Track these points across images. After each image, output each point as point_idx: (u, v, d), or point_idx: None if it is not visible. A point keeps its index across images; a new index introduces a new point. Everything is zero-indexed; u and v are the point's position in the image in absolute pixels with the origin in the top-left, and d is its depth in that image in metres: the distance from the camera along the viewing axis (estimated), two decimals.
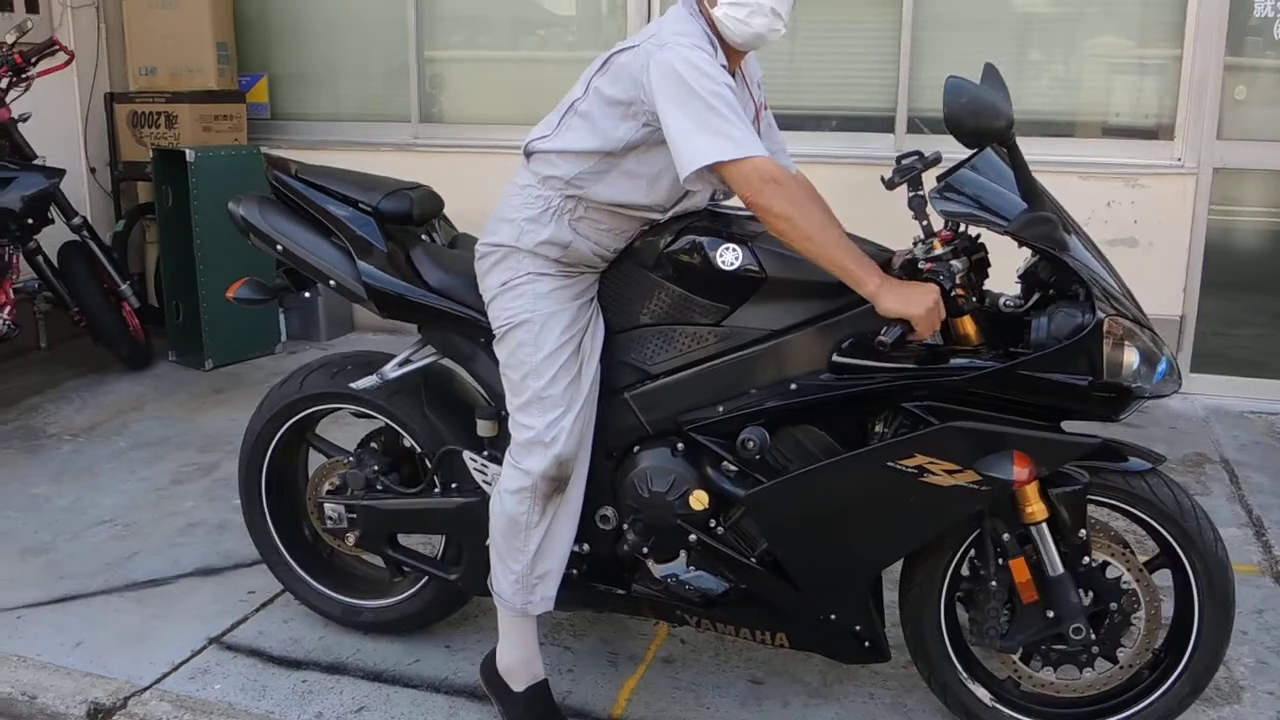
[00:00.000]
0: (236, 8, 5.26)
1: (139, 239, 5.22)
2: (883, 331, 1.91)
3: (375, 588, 2.68)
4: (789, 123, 4.77)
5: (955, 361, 1.99)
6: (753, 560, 2.19)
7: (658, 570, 2.27)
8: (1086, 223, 4.32)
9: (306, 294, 2.56)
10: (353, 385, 2.37)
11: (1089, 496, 2.12)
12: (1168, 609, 2.21)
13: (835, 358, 2.06)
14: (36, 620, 2.75)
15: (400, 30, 5.18)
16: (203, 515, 3.36)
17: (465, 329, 2.32)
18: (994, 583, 2.14)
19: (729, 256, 2.08)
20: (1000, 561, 2.12)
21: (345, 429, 2.74)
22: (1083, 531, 2.11)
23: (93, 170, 5.24)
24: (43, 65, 4.20)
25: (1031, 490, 2.07)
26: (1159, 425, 4.19)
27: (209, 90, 4.97)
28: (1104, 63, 4.43)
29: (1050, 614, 2.12)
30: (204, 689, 2.47)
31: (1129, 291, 2.11)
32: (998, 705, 2.25)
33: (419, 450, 2.47)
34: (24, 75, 4.12)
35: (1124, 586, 2.17)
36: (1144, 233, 4.37)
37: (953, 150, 1.98)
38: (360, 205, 2.38)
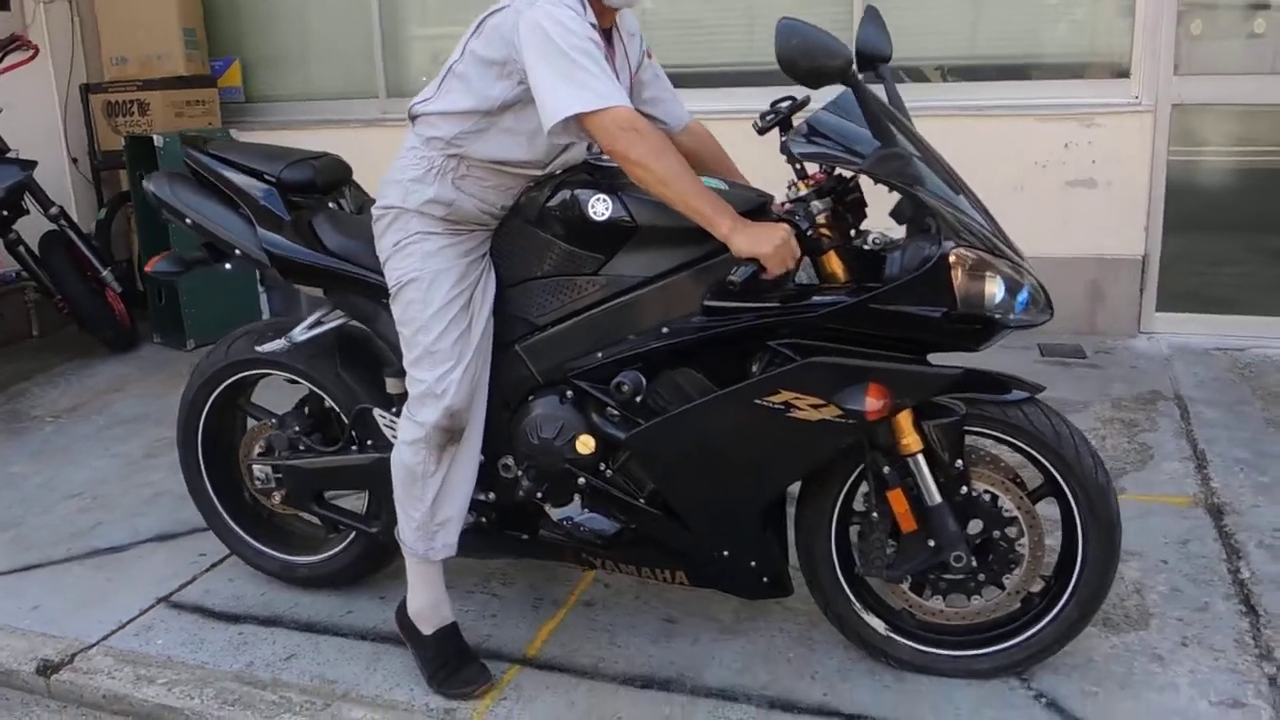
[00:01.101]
0: None
1: (123, 225, 5.36)
2: (733, 271, 1.96)
3: (310, 544, 2.79)
4: (745, 79, 4.80)
5: (815, 299, 2.04)
6: (642, 501, 2.26)
7: (555, 514, 2.36)
8: (1044, 165, 4.37)
9: (228, 265, 2.65)
10: (258, 349, 2.47)
11: (970, 428, 2.17)
12: (1056, 536, 2.26)
13: (706, 301, 2.12)
14: None
15: (364, 8, 5.26)
16: (168, 486, 3.48)
17: (366, 290, 2.40)
18: (875, 514, 2.20)
19: (600, 207, 2.14)
20: (881, 493, 2.18)
21: (288, 394, 2.83)
22: (959, 462, 2.15)
23: (74, 160, 5.38)
24: (8, 60, 4.33)
25: (905, 422, 2.12)
26: (1119, 365, 4.20)
27: (179, 76, 5.08)
28: (1056, 2, 4.40)
29: (931, 543, 2.18)
30: (146, 644, 2.60)
31: (998, 227, 2.12)
32: (892, 635, 2.32)
33: (337, 410, 2.57)
34: None
35: (1006, 514, 2.21)
36: (1103, 173, 4.35)
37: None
38: (265, 176, 2.47)
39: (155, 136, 4.63)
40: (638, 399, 2.16)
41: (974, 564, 2.19)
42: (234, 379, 2.66)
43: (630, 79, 2.30)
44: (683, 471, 2.18)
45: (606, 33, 2.23)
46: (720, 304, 2.10)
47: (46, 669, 2.51)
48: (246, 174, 2.48)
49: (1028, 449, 2.17)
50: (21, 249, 4.55)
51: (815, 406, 2.03)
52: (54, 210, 4.57)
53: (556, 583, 2.76)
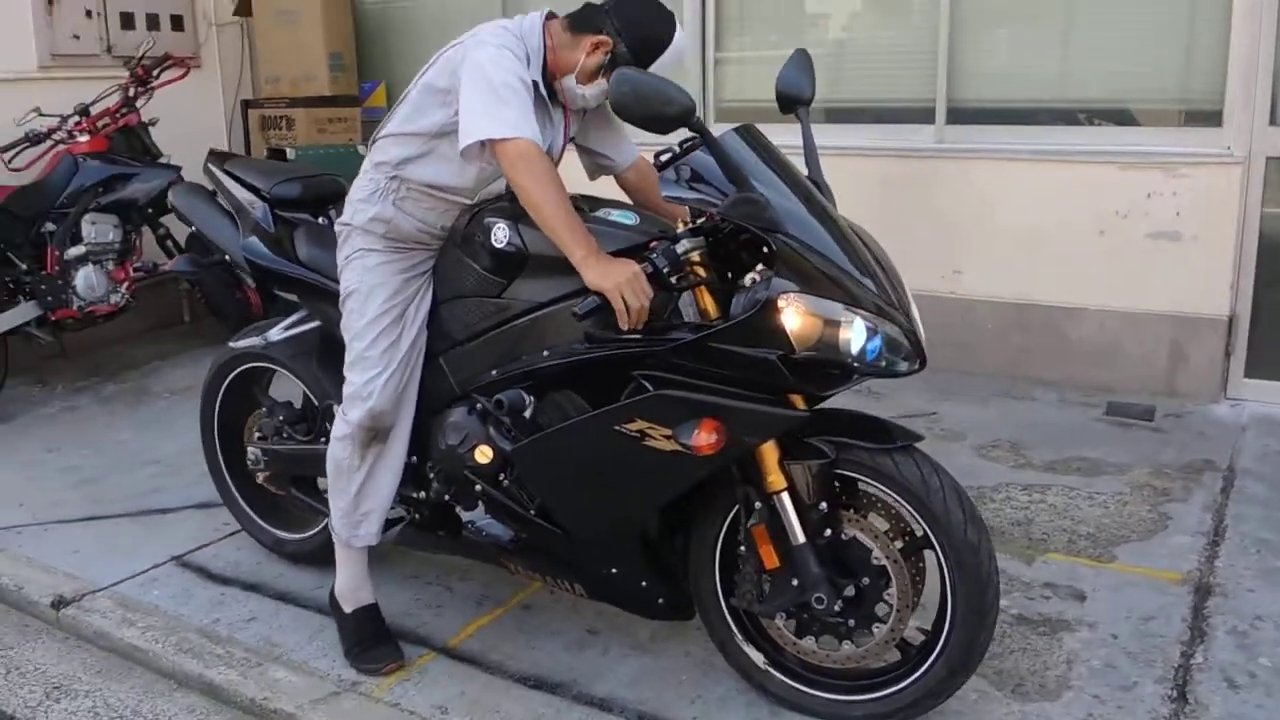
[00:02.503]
0: (358, 22, 5.90)
1: None
2: (578, 304, 2.09)
3: (300, 523, 3.10)
4: (830, 115, 4.82)
5: (670, 334, 2.13)
6: (531, 512, 2.41)
7: (464, 517, 2.54)
8: (1125, 215, 4.18)
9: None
10: (231, 344, 2.80)
11: (845, 472, 2.20)
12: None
13: (583, 328, 2.24)
14: (58, 532, 3.38)
15: None
16: None
17: (329, 298, 2.67)
18: (743, 548, 2.26)
19: (500, 234, 2.32)
20: (748, 527, 2.24)
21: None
22: (823, 504, 2.18)
23: None
24: (164, 77, 4.95)
25: (770, 459, 2.17)
26: (1185, 430, 3.95)
27: (323, 96, 5.63)
28: (1145, 44, 4.18)
29: (795, 582, 2.21)
30: (144, 594, 2.98)
31: (882, 273, 2.13)
32: (770, 669, 2.36)
33: (315, 402, 2.87)
34: (147, 86, 4.89)
35: (874, 562, 2.21)
36: (1187, 226, 4.10)
37: None
38: (261, 192, 2.80)
39: (288, 149, 5.17)
40: (525, 415, 2.31)
41: (837, 607, 2.20)
42: (240, 369, 3.01)
43: (567, 121, 2.47)
44: (559, 487, 2.32)
45: (551, 83, 2.41)
46: (595, 332, 2.22)
47: (58, 604, 2.93)
48: (248, 189, 2.82)
49: (895, 496, 2.17)
50: (169, 243, 5.18)
51: (666, 437, 2.12)
52: None
53: (506, 584, 2.94)
